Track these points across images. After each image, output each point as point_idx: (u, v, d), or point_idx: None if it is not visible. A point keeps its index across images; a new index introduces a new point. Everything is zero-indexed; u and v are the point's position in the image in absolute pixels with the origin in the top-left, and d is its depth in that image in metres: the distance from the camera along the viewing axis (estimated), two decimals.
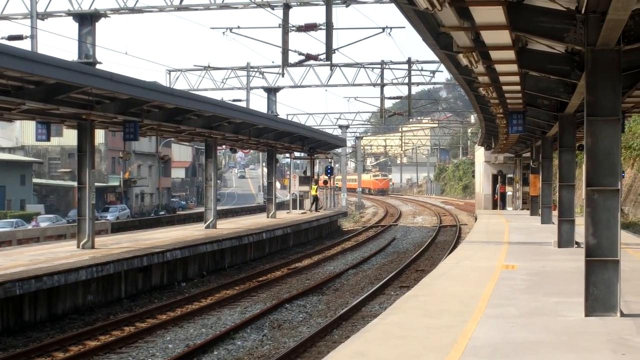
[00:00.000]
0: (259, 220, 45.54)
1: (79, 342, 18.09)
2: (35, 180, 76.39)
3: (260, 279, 28.74)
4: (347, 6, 32.40)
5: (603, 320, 12.67)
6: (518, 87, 21.37)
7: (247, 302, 23.55)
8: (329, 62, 36.47)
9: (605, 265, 12.91)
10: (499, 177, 61.36)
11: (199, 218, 52.93)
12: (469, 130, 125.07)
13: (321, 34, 30.89)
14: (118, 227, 50.35)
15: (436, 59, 28.85)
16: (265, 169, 61.40)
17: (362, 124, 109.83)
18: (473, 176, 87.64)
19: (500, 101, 25.06)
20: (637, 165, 50.97)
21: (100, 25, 31.58)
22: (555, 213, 29.86)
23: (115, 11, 32.29)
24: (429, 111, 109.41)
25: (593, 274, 12.94)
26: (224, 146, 50.40)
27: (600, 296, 12.96)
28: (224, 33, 37.64)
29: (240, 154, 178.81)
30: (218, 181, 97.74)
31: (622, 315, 12.96)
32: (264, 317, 20.49)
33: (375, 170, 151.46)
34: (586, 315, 12.96)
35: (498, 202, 60.79)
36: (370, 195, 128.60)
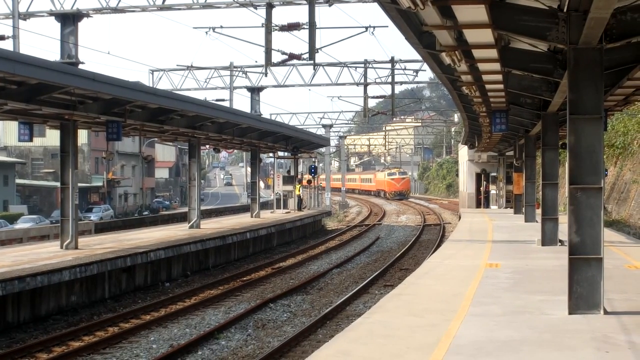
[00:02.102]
0: (242, 220, 45.47)
1: (63, 343, 18.03)
2: (18, 180, 76.02)
3: (245, 278, 28.71)
4: (330, 5, 32.38)
5: (586, 318, 12.71)
6: (501, 86, 21.41)
7: (231, 301, 23.52)
8: (312, 62, 36.46)
9: (588, 263, 12.96)
10: (482, 175, 61.51)
11: (182, 218, 52.82)
12: (453, 129, 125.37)
13: (304, 34, 30.89)
14: (102, 228, 50.17)
15: (419, 58, 28.86)
16: (249, 169, 61.36)
17: (346, 123, 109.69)
18: (457, 175, 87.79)
19: (483, 100, 25.10)
20: (620, 163, 51.18)
21: (83, 25, 31.53)
22: (538, 211, 29.96)
23: (98, 11, 32.17)
24: (412, 110, 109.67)
25: (576, 272, 12.99)
26: (207, 146, 50.29)
27: (583, 294, 13.00)
28: (206, 33, 37.57)
29: (224, 153, 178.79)
30: (202, 181, 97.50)
31: (606, 313, 13.00)
32: (248, 317, 20.46)
33: (393, 168, 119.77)
34: (570, 313, 13.00)
35: (482, 200, 60.94)
36: (379, 199, 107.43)
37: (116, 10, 32.54)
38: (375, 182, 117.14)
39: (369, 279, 26.82)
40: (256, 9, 31.73)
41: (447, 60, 16.74)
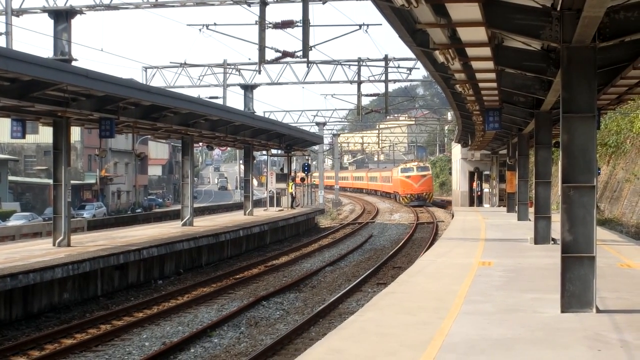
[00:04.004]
0: (236, 218, 45.46)
1: (55, 341, 17.99)
2: (10, 177, 75.83)
3: (237, 276, 28.69)
4: (323, 3, 32.36)
5: (579, 317, 12.73)
6: (494, 84, 21.42)
7: (224, 299, 23.51)
8: (305, 59, 36.41)
9: (581, 261, 12.98)
10: (475, 174, 61.56)
11: (175, 215, 52.77)
12: (446, 128, 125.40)
13: (298, 31, 30.86)
14: (94, 225, 50.09)
15: (413, 56, 28.93)
16: (242, 166, 61.26)
17: (339, 121, 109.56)
18: (450, 173, 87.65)
19: (476, 98, 25.12)
20: (613, 162, 51.27)
21: (76, 22, 31.35)
22: (531, 210, 29.99)
23: (91, 8, 32.10)
24: (405, 108, 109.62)
25: (569, 270, 13.00)
26: (200, 143, 50.24)
27: (576, 292, 13.02)
28: (200, 30, 37.41)
29: (217, 151, 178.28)
30: (195, 178, 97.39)
31: (598, 311, 13.02)
32: (240, 315, 20.45)
33: (411, 161, 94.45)
34: (562, 312, 13.02)
35: (475, 199, 60.99)
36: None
37: (109, 7, 32.48)
38: (392, 182, 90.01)
39: (362, 277, 26.80)
40: (250, 6, 31.66)
41: (440, 58, 16.76)
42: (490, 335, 11.53)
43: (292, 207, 56.94)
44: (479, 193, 61.04)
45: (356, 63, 48.95)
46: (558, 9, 12.72)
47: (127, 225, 48.41)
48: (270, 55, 33.79)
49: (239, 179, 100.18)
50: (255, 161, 66.50)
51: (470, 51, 16.81)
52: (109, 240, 29.26)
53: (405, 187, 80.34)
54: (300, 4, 30.63)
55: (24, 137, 27.91)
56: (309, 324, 18.99)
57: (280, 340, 16.88)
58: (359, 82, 49.38)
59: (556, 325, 12.17)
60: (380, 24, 55.15)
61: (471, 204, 61.01)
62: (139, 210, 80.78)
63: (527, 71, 18.66)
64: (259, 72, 41.46)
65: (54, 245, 26.64)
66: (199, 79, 50.67)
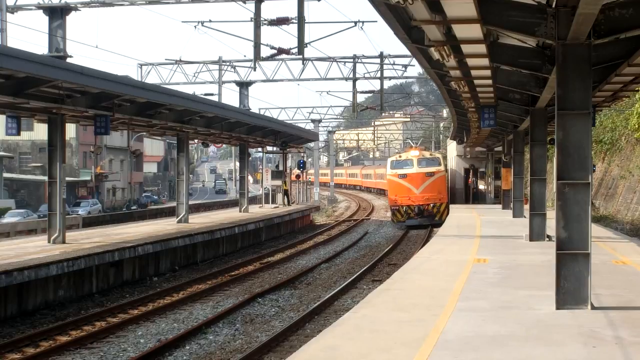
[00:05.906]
0: (231, 215, 45.45)
1: (50, 338, 17.97)
2: (5, 174, 75.61)
3: (233, 273, 28.68)
4: (319, 0, 32.34)
5: (574, 314, 12.73)
6: (489, 81, 21.42)
7: (220, 296, 23.50)
8: (301, 56, 36.48)
9: (576, 258, 12.98)
10: (471, 171, 61.53)
11: (171, 212, 52.78)
12: (441, 125, 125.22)
13: (293, 28, 30.85)
14: (89, 222, 50.04)
15: (408, 53, 28.90)
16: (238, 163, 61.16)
17: (335, 118, 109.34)
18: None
19: (471, 95, 25.11)
20: (608, 159, 51.26)
21: (71, 18, 31.20)
22: (526, 207, 30.01)
23: (86, 4, 32.00)
24: (401, 105, 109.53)
25: (564, 267, 13.01)
26: (196, 140, 50.21)
27: (571, 289, 13.03)
28: (195, 27, 37.36)
29: (212, 148, 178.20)
30: (190, 175, 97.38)
31: (593, 308, 13.04)
32: (236, 312, 20.45)
33: (408, 148, 61.36)
34: (557, 309, 13.03)
35: (470, 195, 60.97)
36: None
37: (104, 4, 32.40)
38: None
39: (357, 274, 26.82)
40: (245, 2, 31.62)
41: (436, 55, 16.76)
42: (485, 332, 11.53)
43: (286, 203, 56.89)
44: (474, 190, 61.01)
45: (351, 60, 48.90)
46: (553, 6, 12.72)
47: (122, 222, 48.43)
48: (265, 52, 33.77)
49: (234, 172, 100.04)
50: (250, 158, 66.43)
51: (466, 48, 16.81)
52: (104, 237, 29.24)
53: (399, 194, 48.92)
54: (296, 0, 30.63)
55: (18, 134, 27.87)
56: (304, 321, 19.01)
57: (275, 337, 16.89)
58: (354, 79, 49.35)
59: (551, 322, 12.18)
60: (376, 21, 55.28)
61: (467, 201, 60.97)
62: (134, 208, 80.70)
63: (522, 68, 18.66)
64: (254, 69, 41.44)
65: (48, 242, 26.62)
66: (194, 76, 50.69)
